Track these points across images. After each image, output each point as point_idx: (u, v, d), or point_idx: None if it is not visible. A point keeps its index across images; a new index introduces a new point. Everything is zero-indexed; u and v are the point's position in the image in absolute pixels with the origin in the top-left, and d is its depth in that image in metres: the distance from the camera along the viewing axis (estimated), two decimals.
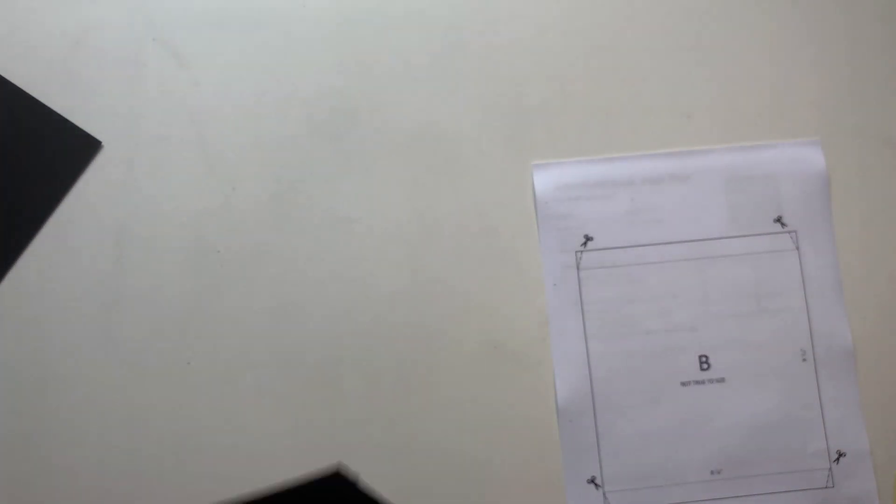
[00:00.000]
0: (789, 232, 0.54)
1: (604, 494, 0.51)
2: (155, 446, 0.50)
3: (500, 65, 0.55)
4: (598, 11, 0.56)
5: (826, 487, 0.51)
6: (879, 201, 0.55)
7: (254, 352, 0.52)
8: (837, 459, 0.52)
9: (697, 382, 0.52)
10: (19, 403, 0.51)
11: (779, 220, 0.54)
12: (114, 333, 0.51)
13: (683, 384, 0.52)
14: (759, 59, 0.56)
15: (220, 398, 0.51)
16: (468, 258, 0.53)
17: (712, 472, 0.51)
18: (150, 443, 0.50)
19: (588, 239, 0.53)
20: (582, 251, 0.53)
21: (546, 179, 0.54)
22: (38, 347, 0.51)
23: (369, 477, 0.50)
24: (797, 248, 0.54)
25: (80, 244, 0.52)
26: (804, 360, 0.52)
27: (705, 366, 0.52)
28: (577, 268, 0.53)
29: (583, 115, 0.55)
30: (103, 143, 0.53)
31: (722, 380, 0.52)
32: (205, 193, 0.53)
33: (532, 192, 0.54)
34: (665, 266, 0.53)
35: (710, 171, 0.54)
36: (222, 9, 0.55)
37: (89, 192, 0.53)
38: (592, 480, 0.51)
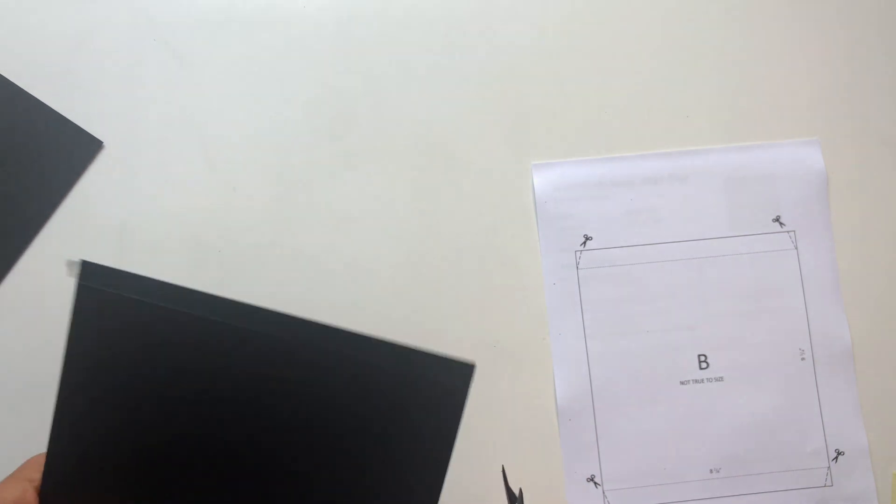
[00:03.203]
0: (788, 231, 0.54)
1: (603, 493, 0.51)
2: None
3: (500, 65, 0.55)
4: (597, 12, 0.56)
5: (825, 486, 0.52)
6: (878, 201, 0.55)
7: None
8: (836, 458, 0.52)
9: (696, 381, 0.52)
10: (19, 403, 0.51)
11: (777, 219, 0.54)
12: None
13: (682, 383, 0.52)
14: (758, 59, 0.56)
15: None
16: (468, 258, 0.53)
17: (711, 471, 0.51)
18: None
19: (587, 239, 0.54)
20: (581, 251, 0.53)
21: (545, 179, 0.54)
22: (38, 347, 0.51)
23: None
24: (796, 248, 0.54)
25: (81, 244, 0.52)
26: (803, 359, 0.53)
27: (704, 365, 0.52)
28: (577, 267, 0.53)
29: (583, 115, 0.55)
30: (104, 143, 0.53)
31: (721, 379, 0.52)
32: (205, 193, 0.53)
33: (531, 191, 0.54)
34: (664, 265, 0.53)
35: (708, 171, 0.54)
36: (222, 9, 0.55)
37: (90, 192, 0.53)
38: (592, 479, 0.51)
